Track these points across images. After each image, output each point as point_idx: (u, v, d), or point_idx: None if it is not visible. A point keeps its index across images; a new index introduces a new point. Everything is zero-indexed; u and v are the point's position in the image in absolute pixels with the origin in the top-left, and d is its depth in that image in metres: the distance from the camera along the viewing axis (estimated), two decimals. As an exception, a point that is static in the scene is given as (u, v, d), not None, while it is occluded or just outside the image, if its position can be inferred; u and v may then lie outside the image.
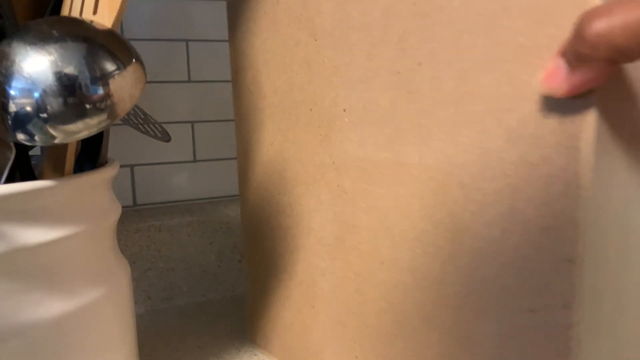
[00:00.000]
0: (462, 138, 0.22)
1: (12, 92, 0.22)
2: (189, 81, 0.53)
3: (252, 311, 0.40)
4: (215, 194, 0.55)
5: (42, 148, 0.28)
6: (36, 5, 0.28)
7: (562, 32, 0.18)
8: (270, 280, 0.37)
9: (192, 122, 0.53)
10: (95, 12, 0.26)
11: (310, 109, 0.30)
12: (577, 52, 0.16)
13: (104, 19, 0.26)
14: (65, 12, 0.27)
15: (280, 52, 0.32)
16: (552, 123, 0.19)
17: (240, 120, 0.38)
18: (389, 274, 0.27)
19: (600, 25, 0.15)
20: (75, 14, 0.27)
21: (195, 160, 0.54)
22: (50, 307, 0.24)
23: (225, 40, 0.53)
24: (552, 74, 0.18)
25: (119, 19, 0.27)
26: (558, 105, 0.18)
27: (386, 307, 0.27)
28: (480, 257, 0.22)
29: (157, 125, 0.34)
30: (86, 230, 0.26)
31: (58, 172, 0.26)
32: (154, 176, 0.52)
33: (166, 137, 0.33)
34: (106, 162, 0.30)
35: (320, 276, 0.32)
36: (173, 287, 0.50)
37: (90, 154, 0.29)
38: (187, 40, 0.52)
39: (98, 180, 0.27)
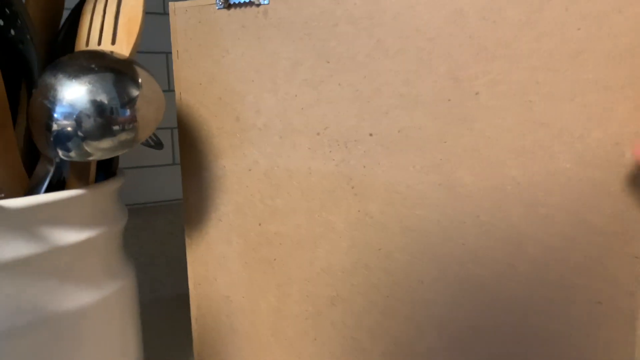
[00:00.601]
0: (527, 161, 0.25)
1: (55, 115, 0.26)
2: (169, 90, 0.56)
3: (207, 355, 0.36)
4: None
5: (65, 163, 0.30)
6: (48, 34, 0.32)
7: (635, 72, 0.22)
8: (244, 320, 0.33)
9: (171, 128, 0.57)
10: (113, 42, 0.28)
11: (318, 134, 0.29)
12: None
13: (122, 48, 0.28)
14: (81, 41, 0.29)
15: (268, 72, 0.30)
16: (624, 149, 0.23)
17: (192, 146, 0.33)
18: (431, 292, 0.28)
19: None
20: (93, 43, 0.29)
21: (174, 163, 0.57)
22: (79, 298, 0.28)
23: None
24: None
25: (136, 49, 0.28)
26: (630, 136, 0.23)
27: (426, 323, 0.28)
28: (543, 263, 0.25)
29: (152, 135, 0.35)
30: (107, 231, 0.30)
31: (82, 181, 0.30)
32: (137, 178, 0.55)
33: (159, 146, 0.33)
34: (116, 172, 0.33)
35: (330, 306, 0.30)
36: (155, 282, 0.54)
37: (103, 165, 0.33)
38: (166, 53, 0.55)
39: (114, 188, 0.31)
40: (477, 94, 0.25)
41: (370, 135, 0.28)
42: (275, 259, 0.32)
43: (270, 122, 0.30)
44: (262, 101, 0.30)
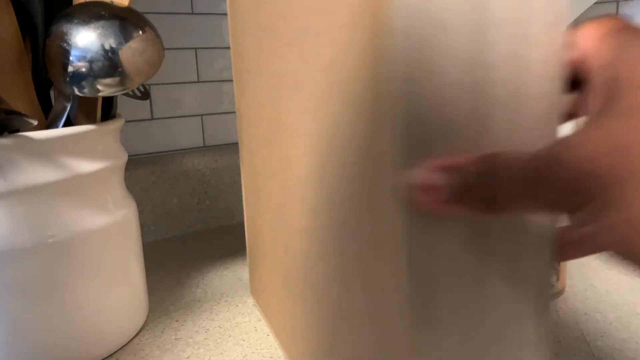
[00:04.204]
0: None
1: (71, 58, 0.30)
2: (198, 81, 0.61)
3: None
4: (172, 147, 0.62)
5: (74, 101, 0.33)
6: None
7: None
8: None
9: (149, 85, 0.59)
10: (113, -8, 0.32)
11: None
12: None
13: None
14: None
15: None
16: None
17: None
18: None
19: None
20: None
21: (152, 118, 0.60)
22: (95, 220, 0.32)
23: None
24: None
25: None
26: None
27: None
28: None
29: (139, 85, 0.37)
30: (113, 164, 0.34)
31: (90, 119, 0.34)
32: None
33: (146, 96, 0.35)
34: (115, 115, 0.37)
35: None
36: (142, 227, 0.57)
37: (103, 110, 0.36)
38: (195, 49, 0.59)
39: (117, 126, 0.35)
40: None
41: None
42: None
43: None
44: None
